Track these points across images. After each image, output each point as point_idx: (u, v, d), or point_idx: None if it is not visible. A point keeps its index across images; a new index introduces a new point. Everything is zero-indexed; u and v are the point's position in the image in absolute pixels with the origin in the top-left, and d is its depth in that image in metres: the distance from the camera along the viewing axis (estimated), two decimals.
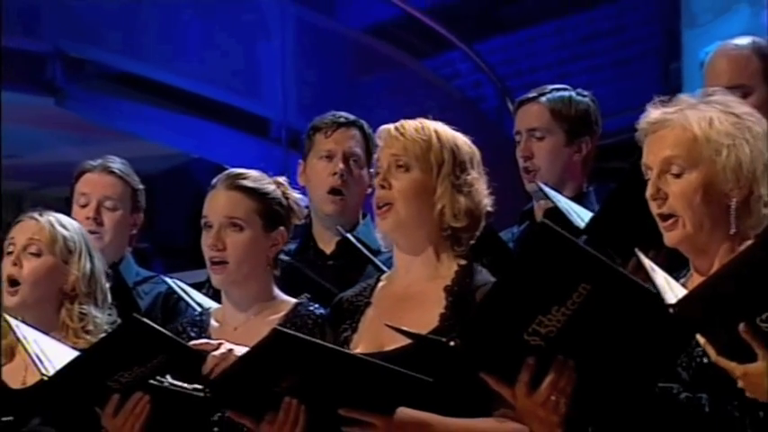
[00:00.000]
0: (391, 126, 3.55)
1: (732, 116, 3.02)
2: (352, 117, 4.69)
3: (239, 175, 3.87)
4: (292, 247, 4.54)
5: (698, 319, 2.84)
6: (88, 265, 4.13)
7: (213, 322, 3.76)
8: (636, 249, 3.07)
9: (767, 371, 2.76)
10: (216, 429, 3.60)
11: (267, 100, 9.56)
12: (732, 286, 2.77)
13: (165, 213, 8.75)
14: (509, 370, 3.01)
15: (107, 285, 4.18)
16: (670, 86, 8.68)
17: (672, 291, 2.90)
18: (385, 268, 3.81)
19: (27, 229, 4.13)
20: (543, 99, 4.59)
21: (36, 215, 4.16)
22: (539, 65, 9.88)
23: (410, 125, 3.54)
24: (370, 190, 4.21)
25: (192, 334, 3.78)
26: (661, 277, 2.94)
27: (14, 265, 4.09)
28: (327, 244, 4.55)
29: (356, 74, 10.26)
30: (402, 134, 3.52)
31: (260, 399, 3.35)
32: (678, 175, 3.06)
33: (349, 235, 4.36)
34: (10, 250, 4.11)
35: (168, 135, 9.32)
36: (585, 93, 4.66)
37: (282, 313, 3.73)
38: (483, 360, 3.05)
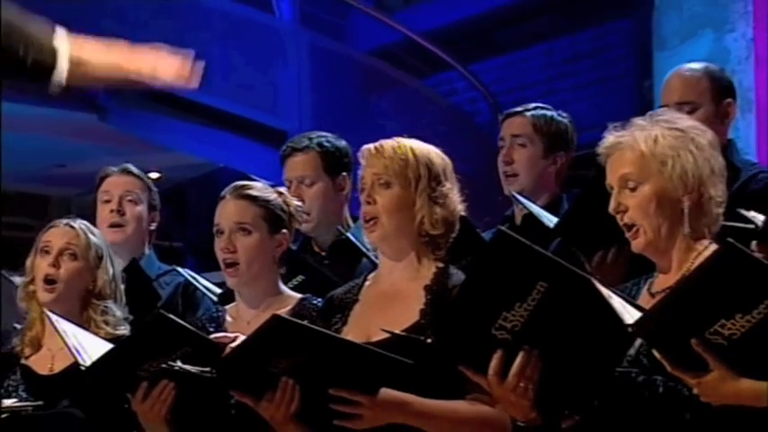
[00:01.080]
0: (371, 146, 3.53)
1: (676, 131, 3.02)
2: None
3: (245, 186, 3.87)
4: (293, 248, 4.44)
5: (654, 336, 2.83)
6: (111, 270, 4.15)
7: (228, 318, 3.76)
8: (592, 279, 2.99)
9: (719, 379, 2.76)
10: (233, 411, 3.57)
11: (284, 115, 9.56)
12: (682, 306, 2.76)
13: (195, 216, 8.73)
14: (482, 361, 3.00)
15: (122, 286, 4.20)
16: (643, 102, 8.69)
17: (628, 313, 2.89)
18: (378, 263, 3.75)
19: (64, 234, 4.14)
20: (528, 114, 4.57)
21: (72, 223, 4.18)
22: (527, 83, 9.89)
23: (388, 145, 3.52)
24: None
25: (211, 329, 3.76)
26: (617, 302, 2.93)
27: (53, 266, 4.09)
28: (322, 246, 4.53)
29: (363, 92, 10.27)
30: (382, 154, 3.49)
31: (259, 379, 3.34)
32: (633, 189, 3.06)
33: (349, 234, 4.33)
34: (47, 251, 4.12)
35: (197, 147, 9.34)
36: (565, 114, 4.64)
37: (289, 307, 3.72)
38: (458, 354, 3.05)
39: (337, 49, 10.27)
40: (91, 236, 4.15)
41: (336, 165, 4.53)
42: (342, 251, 4.33)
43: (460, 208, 3.50)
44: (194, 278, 4.33)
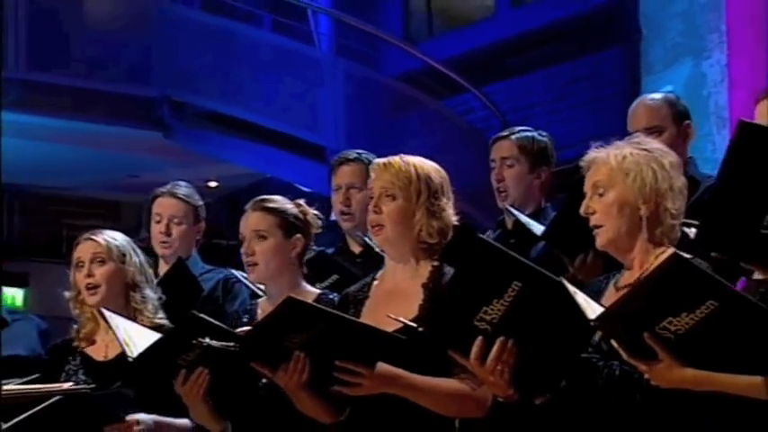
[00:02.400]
0: (381, 162, 3.51)
1: (644, 151, 3.02)
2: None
3: (263, 200, 3.86)
4: (331, 250, 4.53)
5: (612, 330, 2.83)
6: (137, 259, 4.11)
7: (259, 310, 3.76)
8: (562, 279, 3.01)
9: (666, 367, 2.75)
10: (262, 392, 3.57)
11: (322, 132, 9.53)
12: (636, 305, 2.74)
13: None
14: (467, 347, 3.00)
15: (151, 270, 4.17)
16: None
17: (590, 308, 2.89)
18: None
19: (89, 247, 4.12)
20: (513, 137, 4.53)
21: (92, 236, 4.16)
22: (533, 103, 9.80)
23: (396, 162, 3.48)
24: None
25: (245, 319, 3.77)
26: (581, 298, 2.93)
27: (89, 276, 4.08)
28: (355, 248, 4.52)
29: (391, 111, 10.21)
30: (389, 169, 3.45)
31: (276, 353, 3.31)
32: (601, 195, 3.06)
33: (367, 239, 4.23)
34: (80, 265, 4.10)
35: (248, 159, 9.33)
36: (545, 133, 4.58)
37: (310, 300, 3.63)
38: (446, 341, 3.06)
39: (368, 75, 10.25)
40: (111, 240, 4.12)
41: None
42: (373, 252, 4.19)
43: (454, 219, 3.46)
44: (244, 277, 4.29)
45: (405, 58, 10.39)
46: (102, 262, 4.07)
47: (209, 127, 9.27)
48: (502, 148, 4.55)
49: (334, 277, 4.08)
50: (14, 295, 9.99)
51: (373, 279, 3.56)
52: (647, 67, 8.87)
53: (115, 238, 4.14)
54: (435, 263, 3.41)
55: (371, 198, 3.49)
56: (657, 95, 4.42)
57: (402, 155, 3.52)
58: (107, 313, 3.87)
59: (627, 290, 2.95)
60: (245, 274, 4.24)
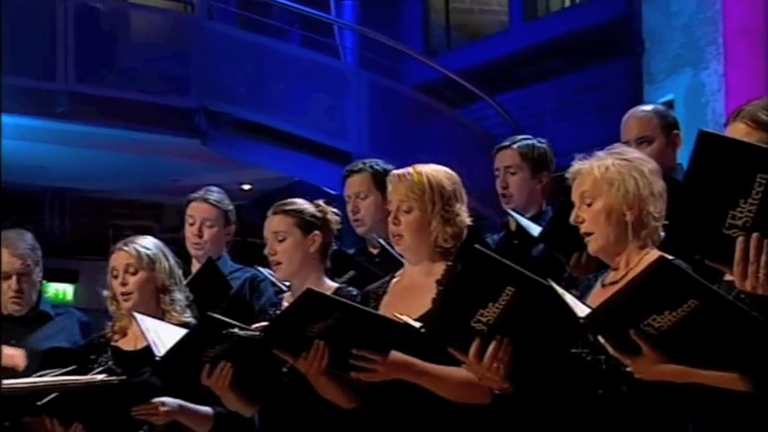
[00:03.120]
0: (396, 174, 3.50)
1: (624, 161, 3.02)
2: None
3: (281, 203, 3.88)
4: (352, 250, 4.54)
5: (600, 327, 2.83)
6: (166, 264, 4.11)
7: (284, 303, 3.75)
8: (550, 281, 3.00)
9: (649, 361, 2.74)
10: (285, 379, 3.58)
11: (348, 139, 9.52)
12: (623, 304, 2.74)
13: None
14: (465, 346, 3.02)
15: (180, 272, 4.18)
16: None
17: (578, 307, 2.90)
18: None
19: (122, 257, 4.12)
20: (515, 146, 4.50)
21: (124, 246, 4.16)
22: (543, 110, 9.76)
23: (410, 174, 3.46)
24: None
25: (271, 311, 3.78)
26: (570, 298, 2.94)
27: (123, 284, 4.09)
28: (373, 249, 4.52)
29: (411, 119, 10.20)
30: (403, 182, 3.45)
31: (297, 341, 3.31)
32: (589, 205, 3.06)
33: (381, 241, 4.28)
34: (115, 275, 4.12)
35: (279, 164, 9.34)
36: (543, 140, 4.56)
37: (329, 293, 3.65)
38: (446, 339, 3.08)
39: (390, 86, 10.22)
40: (140, 248, 4.12)
41: (384, 182, 4.51)
42: (389, 253, 4.21)
43: (467, 223, 3.44)
44: (270, 273, 4.30)
45: (424, 69, 10.37)
46: (135, 272, 4.07)
47: (242, 135, 9.29)
48: (504, 157, 4.53)
49: (351, 273, 4.08)
50: (65, 290, 10.01)
51: (392, 277, 3.56)
52: (650, 77, 8.83)
53: (146, 246, 4.14)
54: (450, 262, 3.41)
55: (390, 211, 3.47)
56: (648, 107, 4.42)
57: (416, 165, 3.49)
58: (138, 317, 3.90)
59: (614, 288, 2.94)
60: (270, 272, 4.27)
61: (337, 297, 3.39)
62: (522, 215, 4.27)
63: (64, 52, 8.76)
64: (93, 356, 4.16)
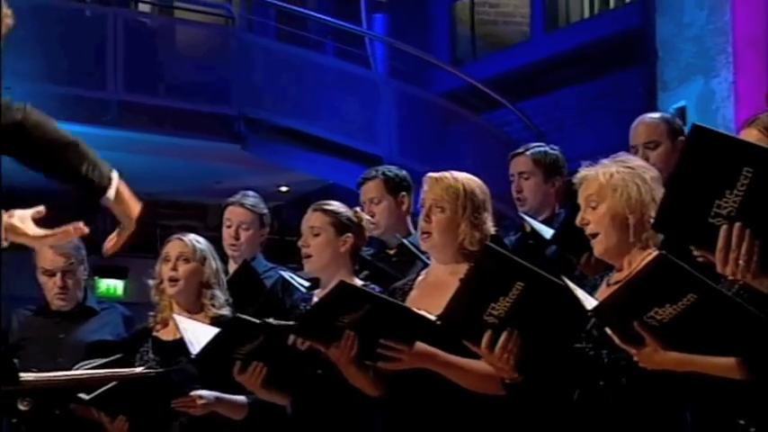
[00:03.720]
0: (434, 175, 3.48)
1: (627, 168, 3.06)
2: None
3: (323, 202, 3.90)
4: (371, 251, 4.51)
5: (606, 319, 2.84)
6: (214, 265, 4.18)
7: (315, 299, 3.77)
8: (564, 277, 3.01)
9: (652, 351, 2.74)
10: (314, 370, 3.60)
11: (379, 144, 9.52)
12: (626, 298, 2.75)
13: None
14: (478, 337, 3.05)
15: (224, 276, 4.24)
16: None
17: (588, 301, 2.91)
18: (428, 262, 3.76)
19: (178, 245, 4.18)
20: (528, 153, 4.52)
21: (182, 236, 4.22)
22: (563, 116, 9.73)
23: (446, 177, 3.46)
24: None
25: (302, 307, 3.79)
26: (581, 292, 2.96)
27: (173, 269, 4.15)
28: (390, 250, 4.52)
29: (438, 125, 10.20)
30: (440, 184, 3.44)
31: (329, 332, 3.32)
32: (594, 208, 3.09)
33: (404, 240, 4.30)
34: (167, 260, 4.16)
35: (314, 168, 9.36)
36: (556, 147, 4.56)
37: None
38: (460, 331, 3.11)
39: (418, 94, 10.21)
40: (197, 243, 4.17)
41: (396, 187, 4.50)
42: (405, 252, 4.31)
43: (492, 231, 3.46)
44: (289, 275, 4.33)
45: (450, 78, 10.36)
46: (187, 260, 4.13)
47: (280, 140, 9.30)
48: (519, 163, 4.55)
49: (365, 273, 4.06)
50: (116, 286, 10.06)
51: (418, 275, 3.58)
52: (663, 85, 8.80)
53: (200, 242, 4.21)
54: (472, 262, 3.37)
55: (423, 208, 3.47)
56: (656, 115, 4.43)
57: (452, 171, 3.51)
58: (177, 318, 3.96)
59: (618, 285, 2.94)
60: (290, 273, 4.31)
61: (367, 289, 3.41)
62: (535, 218, 4.29)
63: (113, 64, 8.80)
64: (136, 346, 4.20)
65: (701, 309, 2.64)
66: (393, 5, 10.70)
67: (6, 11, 2.70)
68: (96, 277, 9.54)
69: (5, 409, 4.09)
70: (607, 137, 9.41)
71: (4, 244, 2.73)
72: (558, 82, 9.91)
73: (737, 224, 2.42)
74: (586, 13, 10.82)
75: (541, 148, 4.56)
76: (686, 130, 4.44)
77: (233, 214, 4.74)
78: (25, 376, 3.76)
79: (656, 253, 2.92)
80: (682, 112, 8.54)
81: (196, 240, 4.20)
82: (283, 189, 9.98)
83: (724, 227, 2.43)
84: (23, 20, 8.38)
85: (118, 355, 4.17)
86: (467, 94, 10.03)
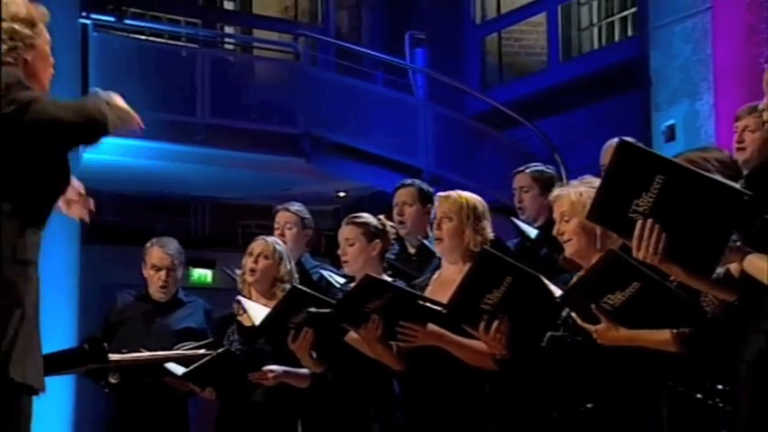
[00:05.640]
0: (442, 195, 3.60)
1: (593, 188, 3.05)
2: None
3: (353, 216, 3.98)
4: (397, 249, 4.61)
5: (571, 303, 2.96)
6: (289, 265, 4.28)
7: None
8: (539, 274, 3.07)
9: (606, 329, 2.85)
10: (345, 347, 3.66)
11: (419, 158, 9.52)
12: (584, 287, 2.88)
13: None
14: (476, 322, 3.17)
15: (296, 276, 4.32)
16: (647, 143, 8.54)
17: (557, 291, 3.04)
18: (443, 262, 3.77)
19: (262, 244, 4.28)
20: (528, 171, 4.66)
21: (266, 238, 4.32)
22: (575, 132, 9.60)
23: (452, 195, 3.55)
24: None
25: (339, 296, 3.81)
26: (552, 285, 3.08)
27: (254, 263, 4.24)
28: (412, 248, 4.62)
29: (468, 141, 10.17)
30: (447, 200, 3.54)
31: (359, 315, 3.40)
32: (567, 221, 3.21)
33: (425, 241, 4.34)
34: (251, 254, 4.24)
35: (365, 177, 9.34)
36: (551, 167, 4.68)
37: None
38: (462, 317, 3.22)
39: (452, 115, 10.20)
40: (276, 245, 4.28)
41: (426, 198, 4.62)
42: (424, 251, 4.39)
43: (491, 235, 3.55)
44: (330, 275, 4.41)
45: (479, 101, 10.34)
46: (266, 258, 4.21)
47: (338, 155, 9.30)
48: (520, 179, 4.69)
49: (389, 272, 4.08)
50: (206, 274, 10.12)
51: (433, 273, 3.66)
52: (656, 106, 8.78)
53: (279, 244, 4.29)
54: (472, 263, 3.42)
55: (435, 219, 3.56)
56: (626, 139, 4.46)
57: (457, 190, 3.62)
58: (242, 300, 4.10)
59: (578, 277, 3.08)
60: (330, 272, 4.42)
61: (388, 281, 3.49)
62: (527, 222, 4.40)
63: (202, 94, 8.89)
64: (224, 330, 4.31)
65: (644, 294, 2.73)
66: (432, 41, 10.65)
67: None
68: (190, 267, 9.71)
69: (100, 380, 4.33)
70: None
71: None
72: (570, 103, 9.86)
73: (650, 219, 2.51)
74: (595, 46, 10.76)
75: (539, 168, 4.68)
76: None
77: (280, 218, 4.84)
78: (113, 356, 3.90)
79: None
80: (671, 129, 8.58)
81: (276, 243, 4.29)
82: (341, 195, 9.97)
83: (639, 221, 2.53)
84: (132, 58, 8.67)
85: (210, 339, 4.30)
86: (492, 115, 9.97)
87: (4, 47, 2.58)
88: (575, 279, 3.12)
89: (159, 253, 4.72)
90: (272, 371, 4.05)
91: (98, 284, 7.66)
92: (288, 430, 4.14)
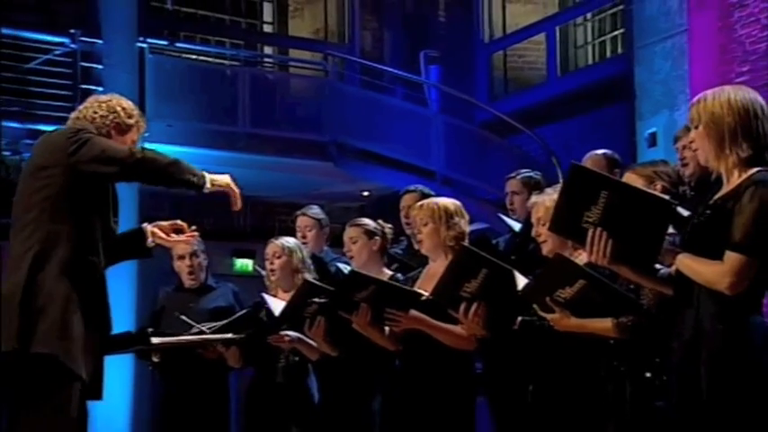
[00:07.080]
0: (417, 204, 3.63)
1: None
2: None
3: (356, 220, 4.06)
4: (405, 245, 4.67)
5: (531, 296, 2.98)
6: (300, 255, 4.26)
7: None
8: (512, 268, 3.08)
9: (560, 317, 2.90)
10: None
11: (433, 161, 9.53)
12: (539, 284, 2.92)
13: (389, 218, 8.89)
14: (457, 307, 3.20)
15: (310, 261, 4.29)
16: (632, 149, 8.57)
17: (522, 284, 3.05)
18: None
19: (272, 247, 4.26)
20: (518, 177, 4.64)
21: (274, 240, 4.29)
22: (570, 138, 9.55)
23: (425, 203, 3.57)
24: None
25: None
26: (520, 278, 3.08)
27: (271, 264, 4.25)
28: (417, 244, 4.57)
29: (476, 147, 10.16)
30: (422, 208, 3.56)
31: (351, 304, 3.40)
32: (543, 225, 3.22)
33: None
34: (267, 259, 4.26)
35: (385, 179, 9.30)
36: (539, 173, 4.64)
37: (378, 276, 3.68)
38: (444, 303, 3.25)
39: (462, 125, 10.21)
40: (285, 243, 4.26)
41: None
42: None
43: (467, 229, 3.53)
44: (343, 267, 4.40)
45: (485, 112, 10.36)
46: (279, 257, 4.23)
47: (361, 159, 9.31)
48: (511, 184, 4.69)
49: (395, 266, 4.22)
50: (247, 264, 10.03)
51: (423, 268, 3.68)
52: (640, 116, 8.76)
53: (288, 241, 4.28)
54: (452, 257, 3.44)
55: (415, 226, 3.60)
56: (599, 152, 4.47)
57: (433, 198, 3.65)
58: (264, 296, 4.11)
59: (535, 275, 3.07)
60: (344, 265, 4.43)
61: (370, 275, 3.47)
62: (515, 219, 4.43)
63: (243, 106, 8.93)
64: (258, 313, 4.28)
65: (588, 289, 2.81)
66: (444, 59, 10.65)
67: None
68: (234, 258, 9.78)
69: (144, 359, 4.47)
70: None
71: (151, 244, 3.06)
72: (566, 113, 9.84)
73: (599, 228, 2.61)
74: (589, 62, 10.76)
75: (528, 174, 4.66)
76: (621, 162, 4.60)
77: (300, 221, 4.89)
78: (155, 340, 3.97)
79: (583, 255, 2.98)
80: (653, 137, 8.61)
81: (285, 240, 4.30)
82: (365, 194, 9.99)
83: (590, 230, 2.62)
84: (182, 77, 8.74)
85: (244, 311, 4.30)
86: (498, 123, 9.96)
87: (100, 112, 2.92)
88: (532, 277, 3.15)
89: (179, 244, 4.80)
90: (288, 335, 4.00)
91: (154, 272, 7.80)
92: (305, 403, 4.22)
